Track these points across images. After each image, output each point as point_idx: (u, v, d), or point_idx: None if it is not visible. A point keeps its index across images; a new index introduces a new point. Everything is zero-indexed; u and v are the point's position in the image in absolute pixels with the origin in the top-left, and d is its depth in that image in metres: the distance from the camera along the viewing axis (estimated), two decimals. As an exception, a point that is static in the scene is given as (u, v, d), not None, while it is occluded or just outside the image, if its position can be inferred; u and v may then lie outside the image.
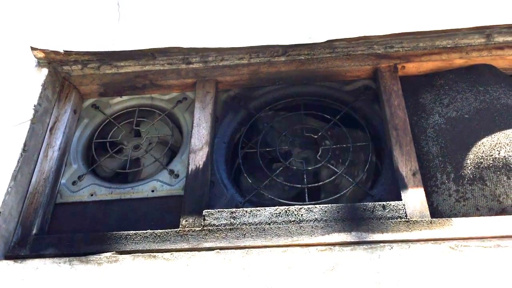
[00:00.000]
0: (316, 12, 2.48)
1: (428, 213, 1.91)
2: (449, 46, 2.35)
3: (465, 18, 2.32)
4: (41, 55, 2.40)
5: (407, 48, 2.37)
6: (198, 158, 2.20)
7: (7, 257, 1.97)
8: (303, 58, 2.42)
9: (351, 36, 2.33)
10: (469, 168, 2.01)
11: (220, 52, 2.43)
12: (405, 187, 1.99)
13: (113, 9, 2.68)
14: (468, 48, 2.35)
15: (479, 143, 2.06)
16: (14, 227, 2.06)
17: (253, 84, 2.50)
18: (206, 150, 2.22)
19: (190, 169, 2.17)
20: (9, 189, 2.05)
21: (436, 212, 1.97)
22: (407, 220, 1.87)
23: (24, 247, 2.00)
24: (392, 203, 1.94)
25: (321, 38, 2.34)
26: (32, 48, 2.40)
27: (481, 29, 2.30)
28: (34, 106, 2.28)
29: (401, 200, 1.96)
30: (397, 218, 1.90)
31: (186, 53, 2.44)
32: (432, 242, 1.78)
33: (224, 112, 2.45)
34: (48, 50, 2.39)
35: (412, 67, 2.39)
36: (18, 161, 2.12)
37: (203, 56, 2.45)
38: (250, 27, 2.47)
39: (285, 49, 2.41)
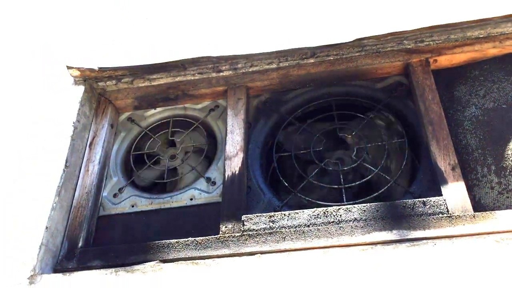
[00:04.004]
0: (343, 11, 2.48)
1: (471, 207, 1.87)
2: (481, 36, 2.30)
3: (496, 6, 2.26)
4: (77, 73, 2.48)
5: (438, 41, 2.33)
6: (234, 164, 2.22)
7: (56, 271, 2.04)
8: (332, 58, 2.41)
9: (380, 33, 2.31)
10: (511, 159, 1.96)
11: (249, 58, 2.45)
12: (444, 182, 1.96)
13: (143, 23, 2.75)
14: (501, 37, 2.29)
15: (519, 133, 2.01)
16: (61, 241, 2.13)
17: (283, 87, 2.51)
18: (241, 156, 2.24)
19: (226, 176, 2.20)
20: (54, 204, 2.12)
21: (479, 205, 1.93)
22: (449, 215, 1.84)
23: (71, 260, 2.07)
24: (433, 199, 1.91)
25: (349, 37, 2.34)
26: (68, 67, 2.48)
27: (514, 17, 2.24)
28: (73, 123, 2.36)
29: (441, 195, 1.93)
30: (438, 214, 1.86)
31: (215, 62, 2.47)
32: (476, 236, 1.74)
33: (257, 118, 2.47)
34: (83, 68, 2.47)
35: (445, 60, 2.35)
36: (61, 177, 2.19)
37: (232, 63, 2.48)
38: (277, 31, 2.49)
39: (314, 51, 2.41)
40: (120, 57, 2.57)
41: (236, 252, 1.91)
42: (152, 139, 2.59)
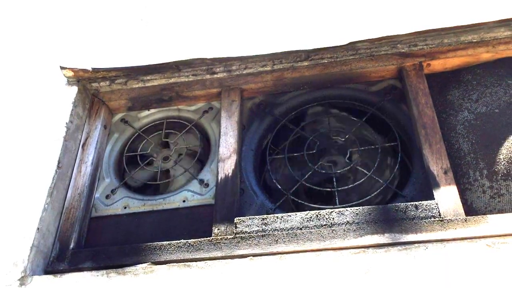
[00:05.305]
0: (337, 14, 2.48)
1: (463, 211, 1.88)
2: (474, 40, 2.31)
3: (489, 11, 2.28)
4: (70, 73, 2.47)
5: (431, 45, 2.34)
6: (227, 166, 2.22)
7: (47, 272, 2.02)
8: (326, 61, 2.42)
9: (374, 36, 2.32)
10: (502, 163, 1.97)
11: (243, 60, 2.46)
12: (437, 186, 1.96)
13: (137, 25, 2.74)
14: (494, 42, 2.31)
15: (511, 137, 2.01)
16: (52, 242, 2.12)
17: (277, 90, 2.51)
18: (234, 158, 2.24)
19: (219, 178, 2.19)
20: (46, 205, 2.11)
21: (471, 209, 1.94)
22: (441, 219, 1.84)
23: (62, 261, 2.06)
24: (425, 202, 1.91)
25: (343, 41, 2.34)
26: (62, 67, 2.47)
27: (507, 22, 2.25)
28: (66, 123, 2.34)
29: (433, 199, 1.93)
30: (430, 218, 1.87)
31: (209, 64, 2.47)
32: (468, 240, 1.74)
33: (250, 120, 2.47)
34: (76, 68, 2.46)
35: (438, 64, 2.36)
36: (53, 178, 2.18)
37: (226, 65, 2.48)
38: (272, 34, 2.49)
39: (308, 54, 2.41)
40: (114, 58, 2.56)
41: (228, 255, 1.90)
42: (145, 140, 2.58)
